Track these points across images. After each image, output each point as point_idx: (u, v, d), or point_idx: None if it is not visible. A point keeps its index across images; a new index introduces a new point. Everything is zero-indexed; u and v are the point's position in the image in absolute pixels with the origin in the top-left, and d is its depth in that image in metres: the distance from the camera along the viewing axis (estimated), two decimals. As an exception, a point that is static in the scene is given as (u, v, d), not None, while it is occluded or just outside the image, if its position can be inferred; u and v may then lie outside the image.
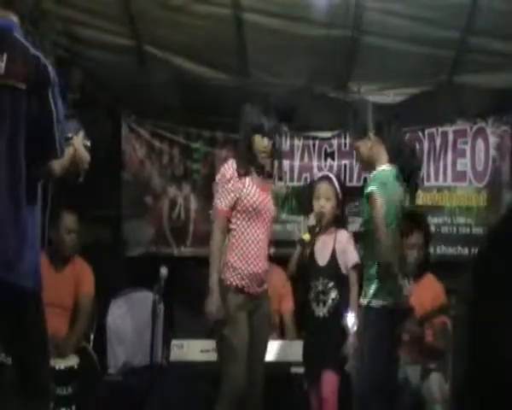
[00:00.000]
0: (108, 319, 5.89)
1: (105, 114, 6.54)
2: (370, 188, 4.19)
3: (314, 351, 4.71)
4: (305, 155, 6.50)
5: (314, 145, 6.49)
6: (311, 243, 4.79)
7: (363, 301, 4.21)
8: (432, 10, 5.40)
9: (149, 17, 5.64)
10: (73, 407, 4.78)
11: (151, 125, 6.60)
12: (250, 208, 4.27)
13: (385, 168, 4.31)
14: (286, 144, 6.51)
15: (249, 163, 4.34)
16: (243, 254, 4.27)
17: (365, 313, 4.22)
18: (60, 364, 4.75)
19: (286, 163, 6.48)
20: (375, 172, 4.31)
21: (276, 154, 4.45)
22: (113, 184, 6.57)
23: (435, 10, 5.40)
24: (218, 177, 4.37)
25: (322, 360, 4.65)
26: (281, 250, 5.89)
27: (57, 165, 3.19)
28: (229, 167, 4.32)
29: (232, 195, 4.26)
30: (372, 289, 4.17)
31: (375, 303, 4.16)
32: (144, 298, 5.65)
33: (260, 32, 5.66)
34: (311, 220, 4.82)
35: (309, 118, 6.40)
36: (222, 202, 4.28)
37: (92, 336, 5.47)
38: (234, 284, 4.24)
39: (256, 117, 4.33)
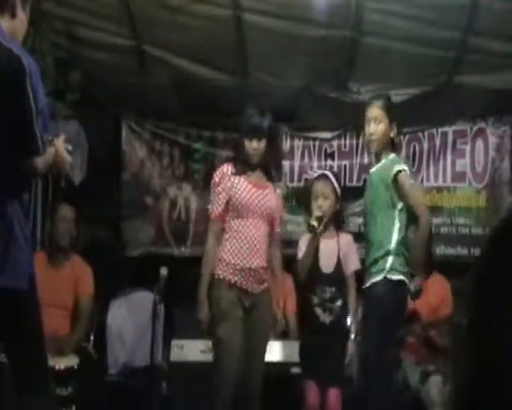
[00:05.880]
0: (108, 319, 5.89)
1: (105, 115, 6.54)
2: (401, 166, 4.28)
3: (320, 358, 4.64)
4: (305, 155, 6.50)
5: (314, 146, 6.50)
6: (319, 231, 4.72)
7: (378, 277, 4.23)
8: (432, 10, 5.40)
9: (149, 18, 5.65)
10: (73, 407, 4.77)
11: (151, 126, 6.61)
12: (239, 205, 4.26)
13: (395, 156, 4.41)
14: (286, 145, 6.51)
15: (244, 163, 4.36)
16: (235, 250, 4.25)
17: (381, 287, 4.23)
18: (60, 364, 4.75)
19: (286, 163, 6.49)
20: (392, 157, 4.37)
21: (272, 154, 4.44)
22: (113, 184, 6.57)
23: (435, 10, 5.40)
24: (211, 182, 4.38)
25: (330, 374, 4.62)
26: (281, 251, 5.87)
27: (41, 162, 3.09)
28: (220, 171, 4.34)
29: (222, 196, 4.27)
30: (389, 263, 4.23)
31: (392, 276, 4.22)
32: (144, 298, 5.65)
33: (260, 33, 5.66)
34: (317, 212, 4.72)
35: (309, 118, 6.40)
36: (214, 206, 4.30)
37: (92, 336, 5.46)
38: (226, 278, 4.23)
39: (247, 119, 4.35)
